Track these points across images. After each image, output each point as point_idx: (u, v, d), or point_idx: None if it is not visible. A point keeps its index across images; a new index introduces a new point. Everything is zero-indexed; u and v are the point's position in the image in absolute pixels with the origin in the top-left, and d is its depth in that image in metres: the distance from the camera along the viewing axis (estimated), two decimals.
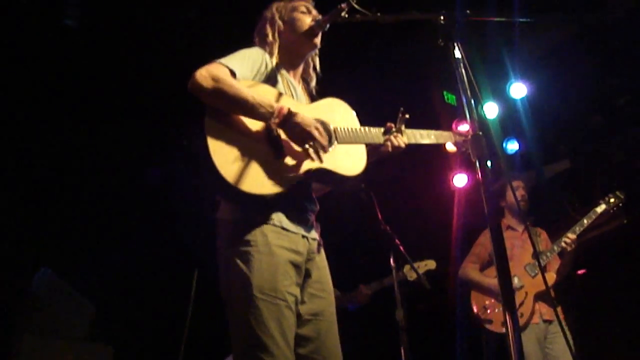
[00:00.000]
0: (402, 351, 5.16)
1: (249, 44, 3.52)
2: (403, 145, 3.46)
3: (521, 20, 6.48)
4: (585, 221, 5.86)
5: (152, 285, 7.08)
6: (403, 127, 3.49)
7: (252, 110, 2.99)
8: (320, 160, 3.09)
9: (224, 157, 2.88)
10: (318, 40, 3.53)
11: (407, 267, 6.13)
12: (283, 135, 3.06)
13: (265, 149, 3.02)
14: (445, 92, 8.04)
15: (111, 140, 7.02)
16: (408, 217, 7.67)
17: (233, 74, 3.06)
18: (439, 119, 7.51)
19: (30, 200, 6.53)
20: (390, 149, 3.43)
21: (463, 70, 2.74)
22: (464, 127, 5.04)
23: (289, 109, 3.02)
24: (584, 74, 7.34)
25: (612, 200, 5.91)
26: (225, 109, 3.01)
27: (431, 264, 6.60)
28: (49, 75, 6.52)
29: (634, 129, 7.41)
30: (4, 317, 5.25)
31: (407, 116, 3.46)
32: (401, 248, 5.19)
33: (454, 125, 6.06)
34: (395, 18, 3.21)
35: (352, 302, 6.79)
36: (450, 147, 7.72)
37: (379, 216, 5.06)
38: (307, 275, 3.15)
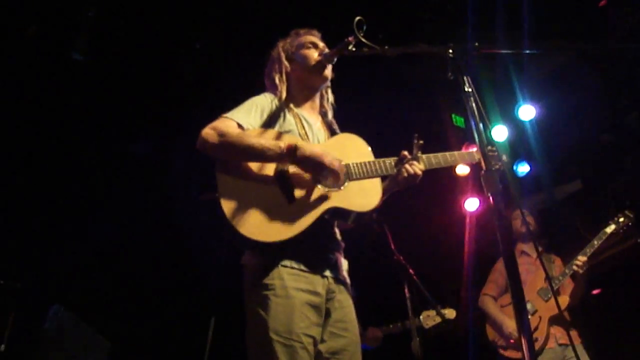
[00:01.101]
0: None
1: (257, 80, 3.58)
2: (419, 172, 3.40)
3: (528, 52, 6.49)
4: (595, 242, 5.84)
5: (168, 319, 7.06)
6: (419, 154, 3.45)
7: (261, 154, 3.07)
8: (339, 187, 3.13)
9: (237, 211, 2.98)
10: (328, 72, 3.57)
11: (425, 313, 5.87)
12: (293, 171, 3.10)
13: (277, 195, 3.07)
14: (453, 115, 8.04)
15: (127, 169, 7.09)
16: (420, 244, 7.63)
17: (240, 126, 3.17)
18: (448, 141, 7.51)
19: (41, 238, 6.54)
20: (406, 176, 3.36)
21: (474, 104, 2.73)
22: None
23: (295, 144, 3.05)
24: (591, 94, 7.33)
25: (621, 219, 5.87)
26: (234, 160, 3.12)
27: (451, 314, 5.92)
28: (57, 107, 6.59)
29: None
30: (17, 353, 5.23)
31: (421, 142, 3.42)
32: (419, 284, 5.07)
33: (463, 149, 6.08)
34: (403, 51, 3.20)
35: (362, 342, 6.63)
36: (462, 170, 7.74)
37: (392, 247, 5.01)
38: (327, 314, 3.15)
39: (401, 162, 3.39)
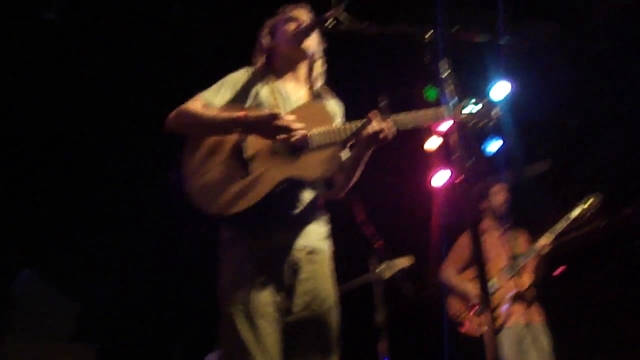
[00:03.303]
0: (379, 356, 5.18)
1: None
2: (384, 126, 3.24)
3: (504, 42, 6.51)
4: (559, 225, 5.92)
5: (137, 283, 7.07)
6: (389, 116, 3.29)
7: (215, 127, 3.18)
8: (297, 157, 3.16)
9: (196, 184, 3.10)
10: (307, 45, 3.57)
11: (381, 266, 5.88)
12: (251, 143, 3.15)
13: (232, 166, 3.13)
14: (425, 88, 8.01)
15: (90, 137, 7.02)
16: (387, 217, 7.69)
17: (207, 104, 3.28)
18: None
19: (11, 202, 6.49)
20: (370, 132, 3.23)
21: (452, 87, 2.76)
22: (445, 126, 5.05)
23: (244, 114, 3.11)
24: (565, 75, 7.38)
25: (587, 203, 5.95)
26: (192, 134, 3.22)
27: (406, 261, 6.08)
28: (36, 71, 6.51)
29: (613, 130, 7.49)
30: None
31: (385, 101, 3.30)
32: (380, 244, 5.13)
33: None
34: (382, 30, 3.22)
35: None
36: (430, 145, 7.77)
37: (363, 216, 5.06)
38: (293, 285, 3.17)
39: (367, 122, 3.26)
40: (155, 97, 6.14)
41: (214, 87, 3.39)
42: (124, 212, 7.10)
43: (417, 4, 6.10)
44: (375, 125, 3.24)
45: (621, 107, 7.31)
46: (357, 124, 3.32)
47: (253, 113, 3.14)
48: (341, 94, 3.78)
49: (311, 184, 3.34)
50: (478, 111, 3.53)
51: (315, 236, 3.36)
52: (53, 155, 6.85)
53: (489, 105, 3.56)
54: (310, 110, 3.46)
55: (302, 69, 3.69)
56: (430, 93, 7.96)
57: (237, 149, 3.14)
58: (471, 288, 5.97)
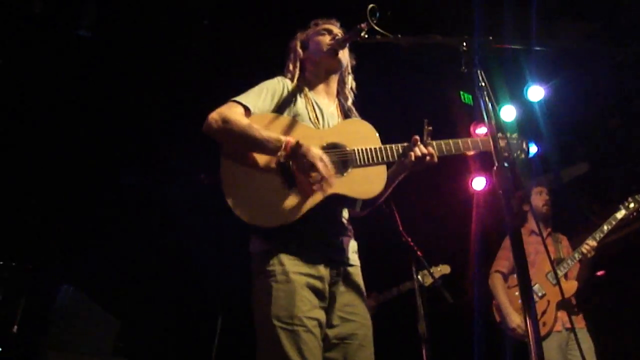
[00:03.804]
0: None
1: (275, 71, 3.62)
2: (429, 152, 3.33)
3: (538, 48, 6.46)
4: (605, 227, 5.81)
5: (176, 299, 7.12)
6: (429, 140, 3.39)
7: (261, 146, 3.11)
8: (324, 191, 3.09)
9: (237, 194, 3.07)
10: (341, 57, 3.59)
11: (422, 273, 6.02)
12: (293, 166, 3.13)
13: (277, 180, 3.12)
14: (462, 92, 8.01)
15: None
16: (426, 222, 7.65)
17: (248, 110, 3.23)
18: (456, 119, 7.49)
19: (53, 218, 6.58)
20: (413, 160, 3.30)
21: (487, 98, 2.73)
22: (482, 130, 5.02)
23: (296, 142, 3.07)
24: (602, 76, 7.29)
25: (632, 205, 5.84)
26: (236, 147, 3.17)
27: (445, 269, 6.59)
28: (63, 84, 6.59)
29: None
30: (28, 335, 5.29)
31: (430, 128, 3.37)
32: (419, 253, 5.15)
33: (472, 128, 6.07)
34: (416, 41, 3.19)
35: None
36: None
37: (400, 227, 5.04)
38: (333, 299, 3.16)
39: (411, 147, 3.34)
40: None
41: (253, 93, 3.34)
42: (163, 228, 7.18)
43: (451, 15, 6.09)
44: (422, 148, 3.32)
45: None
46: (401, 145, 3.36)
47: (305, 149, 3.06)
48: (370, 108, 3.75)
49: (353, 201, 3.33)
50: (512, 144, 3.58)
51: (351, 249, 3.38)
52: (96, 173, 6.96)
53: (521, 139, 3.61)
54: (356, 126, 3.49)
55: (334, 82, 3.71)
56: (466, 97, 8.01)
57: (280, 164, 3.12)
58: (513, 314, 5.87)
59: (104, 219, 6.94)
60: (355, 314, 3.22)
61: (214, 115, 3.15)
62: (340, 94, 3.75)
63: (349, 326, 3.16)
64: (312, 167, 3.06)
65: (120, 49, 6.61)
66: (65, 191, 6.70)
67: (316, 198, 3.10)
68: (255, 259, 3.19)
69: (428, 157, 3.34)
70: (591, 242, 5.77)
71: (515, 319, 5.84)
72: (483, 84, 2.75)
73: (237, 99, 3.26)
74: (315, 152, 3.10)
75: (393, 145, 3.37)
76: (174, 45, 6.77)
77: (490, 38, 2.91)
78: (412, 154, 3.32)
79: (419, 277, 6.02)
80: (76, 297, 5.61)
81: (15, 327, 5.21)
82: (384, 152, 3.34)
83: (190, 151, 6.66)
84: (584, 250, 5.77)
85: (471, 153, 3.65)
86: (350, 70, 3.77)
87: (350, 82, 3.79)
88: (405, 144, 3.38)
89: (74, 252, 6.53)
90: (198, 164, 5.86)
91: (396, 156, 3.36)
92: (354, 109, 3.72)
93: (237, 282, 3.33)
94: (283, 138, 3.09)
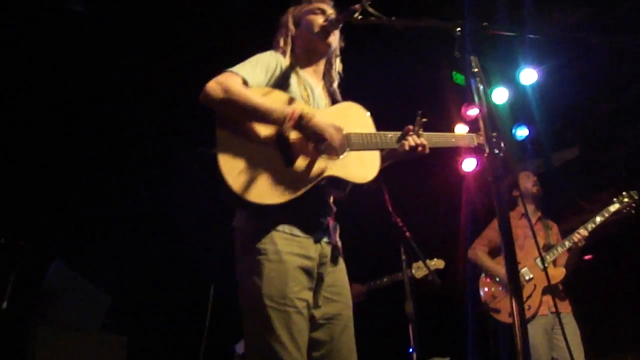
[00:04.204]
0: (412, 343, 5.21)
1: (265, 45, 3.57)
2: (422, 142, 3.40)
3: (532, 36, 6.44)
4: (598, 219, 5.84)
5: (166, 275, 7.13)
6: (421, 131, 3.44)
7: (265, 116, 3.05)
8: (338, 156, 3.14)
9: (233, 167, 2.95)
10: (333, 39, 3.55)
11: (415, 265, 6.17)
12: (294, 136, 3.09)
13: (275, 157, 3.05)
14: (454, 72, 7.99)
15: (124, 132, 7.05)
16: (416, 203, 7.67)
17: (245, 82, 3.13)
18: (447, 99, 7.48)
19: (43, 193, 6.55)
20: (407, 148, 3.37)
21: (480, 85, 2.73)
22: (473, 112, 5.04)
23: (301, 111, 3.05)
24: (595, 61, 7.30)
25: (626, 199, 5.87)
26: (237, 118, 3.08)
27: (440, 264, 6.54)
28: (55, 63, 6.52)
29: None
30: (18, 310, 5.30)
31: (424, 120, 3.42)
32: (412, 242, 5.17)
33: (463, 109, 6.08)
34: (411, 23, 3.18)
35: None
36: (460, 131, 7.74)
37: (390, 208, 5.05)
38: (320, 279, 3.17)
39: (404, 136, 3.40)
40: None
41: (248, 65, 3.24)
42: (152, 204, 7.17)
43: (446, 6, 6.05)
44: (416, 139, 3.38)
45: None
46: (394, 134, 3.41)
47: (312, 119, 3.07)
48: (361, 88, 3.74)
49: (345, 184, 3.33)
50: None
51: (337, 232, 3.39)
52: (86, 150, 6.92)
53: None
54: (350, 110, 3.48)
55: (322, 63, 3.66)
56: (458, 77, 8.00)
57: (282, 138, 3.05)
58: (500, 269, 5.93)
59: (92, 196, 6.91)
60: (340, 295, 3.24)
61: (213, 85, 3.04)
62: (326, 75, 3.70)
63: (334, 306, 3.18)
64: (321, 137, 3.07)
65: (116, 26, 6.50)
66: (53, 167, 6.66)
67: (314, 178, 3.09)
68: (242, 235, 3.14)
69: (420, 148, 3.40)
70: (582, 232, 5.80)
71: (503, 271, 5.87)
72: (476, 70, 2.76)
73: (234, 69, 3.16)
74: (325, 122, 3.11)
75: (388, 133, 3.40)
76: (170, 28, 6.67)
77: (485, 24, 2.91)
78: (406, 143, 3.37)
79: (412, 269, 6.09)
80: (66, 273, 5.60)
81: (5, 303, 5.22)
82: (379, 138, 3.37)
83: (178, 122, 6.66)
84: (575, 239, 5.80)
85: (459, 127, 3.69)
86: (338, 53, 3.71)
87: (337, 64, 3.74)
88: (399, 133, 3.42)
89: (64, 228, 6.52)
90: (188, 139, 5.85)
91: (388, 143, 3.39)
92: (338, 91, 3.69)
93: (227, 253, 3.28)
94: (288, 108, 3.06)
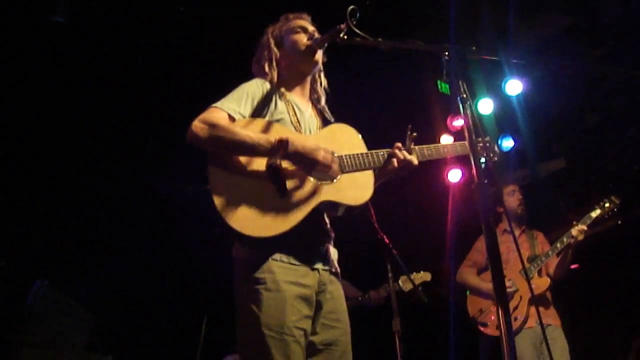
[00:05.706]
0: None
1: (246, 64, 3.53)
2: (410, 159, 3.39)
3: (515, 61, 6.46)
4: (578, 227, 5.87)
5: (151, 294, 7.08)
6: (412, 145, 3.43)
7: (252, 150, 3.03)
8: (331, 180, 3.13)
9: (228, 203, 2.94)
10: (318, 57, 3.52)
11: (402, 278, 6.22)
12: (285, 165, 3.05)
13: (268, 188, 3.03)
14: (438, 81, 7.97)
15: (108, 148, 6.98)
16: (402, 214, 7.67)
17: (231, 117, 3.12)
18: (433, 109, 7.48)
19: (26, 213, 6.48)
20: (396, 165, 3.36)
21: (469, 111, 2.72)
22: (459, 122, 5.03)
23: (286, 138, 3.02)
24: (580, 72, 7.31)
25: (607, 205, 5.89)
26: (226, 154, 3.06)
27: (426, 276, 6.56)
28: (42, 73, 6.46)
29: (629, 129, 7.42)
30: (1, 332, 5.23)
31: (414, 134, 3.42)
32: (397, 258, 5.15)
33: (449, 120, 6.07)
34: (398, 45, 3.14)
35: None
36: (445, 141, 7.73)
37: (375, 225, 5.02)
38: (319, 306, 3.15)
39: (394, 153, 3.38)
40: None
41: (233, 98, 3.22)
42: (136, 220, 7.11)
43: (431, 19, 6.05)
44: (405, 154, 3.37)
45: (638, 104, 7.23)
46: (385, 151, 3.38)
47: (299, 144, 3.06)
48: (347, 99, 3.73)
49: (339, 207, 3.31)
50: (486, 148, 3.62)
51: (334, 257, 3.37)
52: (70, 166, 6.85)
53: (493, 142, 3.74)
54: (339, 132, 3.45)
55: (308, 82, 3.63)
56: (443, 86, 7.99)
57: (271, 169, 3.01)
58: (490, 285, 5.94)
59: (77, 214, 6.85)
60: (339, 321, 3.22)
61: (198, 124, 3.03)
62: (312, 92, 3.67)
63: (333, 332, 3.16)
64: (312, 160, 3.06)
65: (99, 37, 6.44)
66: (34, 187, 6.60)
67: (308, 206, 3.07)
68: (240, 265, 3.12)
69: (411, 164, 3.40)
70: (564, 241, 5.82)
71: (488, 285, 5.91)
72: (465, 96, 2.74)
73: (218, 104, 3.15)
74: (311, 144, 3.09)
75: (378, 151, 3.37)
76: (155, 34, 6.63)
77: (472, 48, 2.89)
78: (395, 160, 3.36)
79: (400, 282, 6.11)
80: (49, 292, 5.54)
81: None
82: (369, 157, 3.34)
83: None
84: (556, 249, 5.83)
85: (445, 138, 3.68)
86: (321, 67, 3.66)
87: (322, 80, 3.71)
88: (389, 150, 3.39)
89: (48, 247, 6.46)
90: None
91: (382, 161, 3.36)
92: (326, 107, 3.67)
93: (221, 280, 3.26)
94: (272, 137, 3.04)
